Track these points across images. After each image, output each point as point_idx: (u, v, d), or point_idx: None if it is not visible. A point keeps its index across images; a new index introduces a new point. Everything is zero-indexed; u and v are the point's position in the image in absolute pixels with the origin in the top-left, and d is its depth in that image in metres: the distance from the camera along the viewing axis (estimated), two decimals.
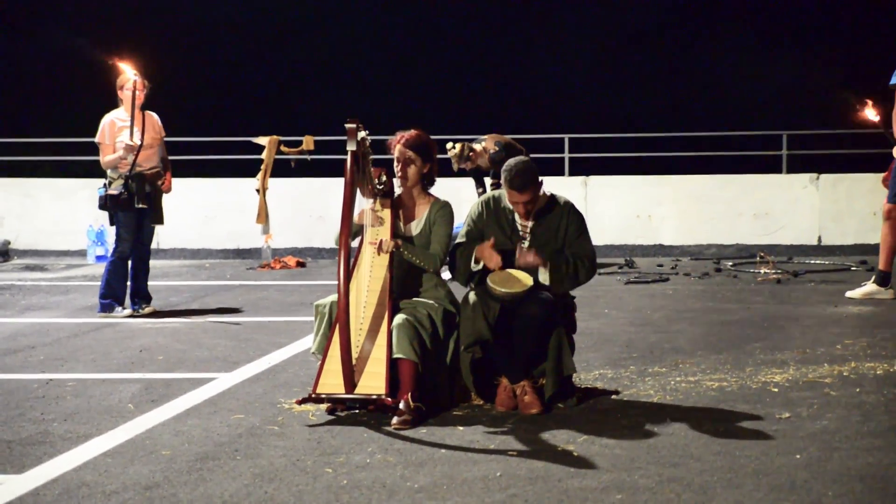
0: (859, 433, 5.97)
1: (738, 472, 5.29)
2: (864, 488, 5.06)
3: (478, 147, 13.08)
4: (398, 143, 6.70)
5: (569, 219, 6.70)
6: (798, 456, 5.55)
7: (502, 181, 6.65)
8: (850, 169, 16.41)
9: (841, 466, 5.37)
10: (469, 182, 13.80)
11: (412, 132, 6.75)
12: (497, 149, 12.79)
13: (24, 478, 5.31)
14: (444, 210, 6.73)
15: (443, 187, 7.25)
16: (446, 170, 12.00)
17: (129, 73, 9.94)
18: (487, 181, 13.35)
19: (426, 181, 6.79)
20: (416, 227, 6.72)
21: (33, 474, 5.37)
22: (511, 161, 6.65)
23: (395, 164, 6.71)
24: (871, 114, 10.74)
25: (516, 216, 6.72)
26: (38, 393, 7.12)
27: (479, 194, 13.11)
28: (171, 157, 10.67)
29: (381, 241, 6.58)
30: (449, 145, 13.04)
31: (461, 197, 13.25)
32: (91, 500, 4.97)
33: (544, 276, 6.58)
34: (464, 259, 6.68)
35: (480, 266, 6.60)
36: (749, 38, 29.93)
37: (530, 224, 6.69)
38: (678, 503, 4.88)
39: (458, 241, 6.76)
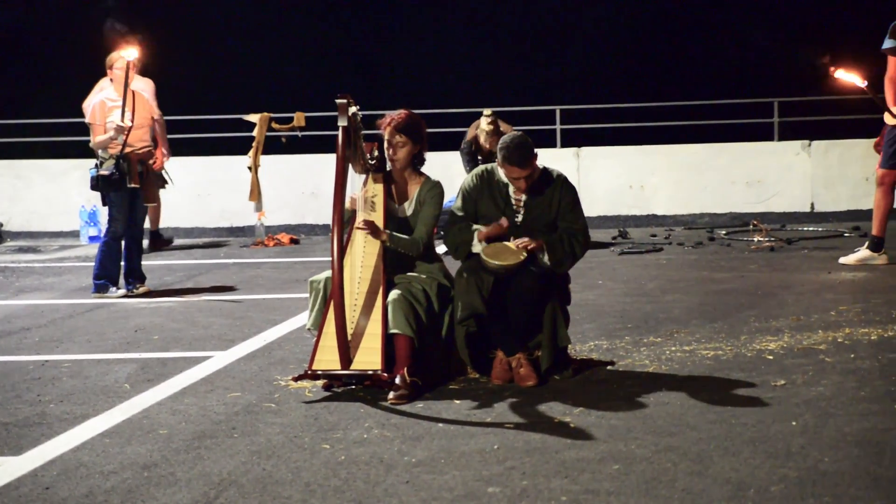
0: (855, 399, 5.99)
1: (735, 440, 5.31)
2: (860, 453, 5.08)
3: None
4: (387, 125, 6.67)
5: (562, 192, 6.71)
6: (794, 423, 5.57)
7: (499, 158, 6.63)
8: (841, 135, 16.35)
9: (837, 432, 5.40)
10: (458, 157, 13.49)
11: (401, 114, 6.70)
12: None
13: (21, 459, 5.32)
14: (433, 190, 6.71)
15: (433, 164, 7.23)
16: (437, 146, 11.83)
17: (124, 53, 9.84)
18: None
19: (416, 161, 6.77)
20: (409, 208, 6.71)
21: (31, 455, 5.38)
22: (506, 137, 6.64)
23: (386, 146, 6.69)
24: (846, 77, 10.09)
25: (510, 189, 6.71)
26: (34, 374, 7.12)
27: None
28: None
29: (372, 224, 6.52)
30: (487, 111, 12.62)
31: (452, 172, 13.16)
32: (89, 481, 4.98)
33: (543, 260, 6.58)
34: (461, 238, 6.67)
35: (481, 248, 6.59)
36: (739, 4, 29.86)
37: (524, 197, 6.69)
38: (675, 472, 4.90)
39: (453, 213, 6.75)
